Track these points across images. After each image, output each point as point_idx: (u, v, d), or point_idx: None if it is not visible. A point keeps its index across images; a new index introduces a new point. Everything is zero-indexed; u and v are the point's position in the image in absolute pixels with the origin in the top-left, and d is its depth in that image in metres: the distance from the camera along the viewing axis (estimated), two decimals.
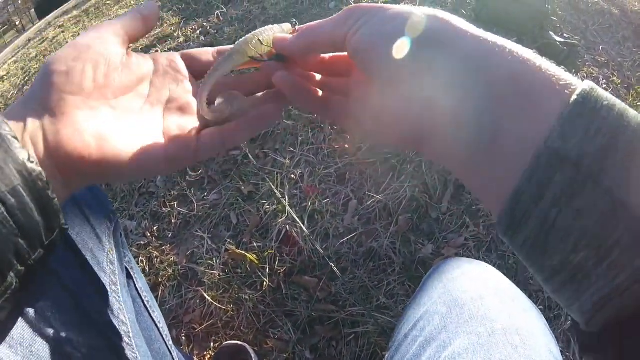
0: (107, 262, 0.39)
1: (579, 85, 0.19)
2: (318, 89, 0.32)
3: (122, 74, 0.28)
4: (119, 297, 0.39)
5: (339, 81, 0.32)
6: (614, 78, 1.58)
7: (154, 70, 0.31)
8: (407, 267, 0.94)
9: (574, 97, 0.19)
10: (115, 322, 0.36)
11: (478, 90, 0.21)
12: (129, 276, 0.47)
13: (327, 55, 0.33)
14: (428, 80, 0.23)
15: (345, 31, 0.26)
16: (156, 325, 0.50)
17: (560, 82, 0.20)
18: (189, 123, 0.30)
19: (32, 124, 0.24)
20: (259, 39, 0.30)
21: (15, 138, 0.22)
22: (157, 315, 0.52)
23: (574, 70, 1.49)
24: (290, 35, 0.30)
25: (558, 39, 1.53)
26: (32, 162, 0.22)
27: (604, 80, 1.56)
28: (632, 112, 0.18)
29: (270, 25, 0.31)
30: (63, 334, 0.30)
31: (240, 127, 0.30)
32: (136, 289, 0.48)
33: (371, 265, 0.95)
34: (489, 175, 0.22)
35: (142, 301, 0.49)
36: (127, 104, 0.29)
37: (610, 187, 0.17)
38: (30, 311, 0.28)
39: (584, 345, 0.20)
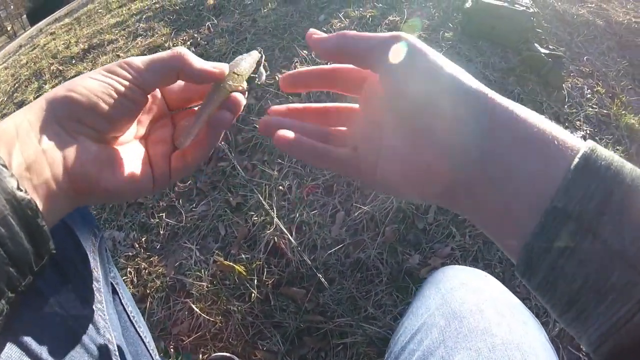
0: (90, 280, 0.39)
1: (582, 147, 0.22)
2: (318, 142, 0.31)
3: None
4: (104, 315, 0.39)
5: (339, 132, 0.33)
6: (599, 88, 1.62)
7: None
8: (394, 277, 0.95)
9: (576, 159, 0.22)
10: (101, 340, 0.36)
11: (499, 153, 0.24)
12: (114, 291, 0.47)
13: (329, 105, 0.34)
14: (461, 139, 0.25)
15: (385, 54, 0.27)
16: (142, 339, 0.50)
17: (567, 146, 0.23)
18: (166, 152, 0.33)
19: (51, 146, 0.26)
20: (234, 72, 0.32)
21: (4, 166, 0.23)
22: (144, 330, 0.51)
23: (551, 79, 1.52)
24: (325, 35, 0.30)
25: (543, 50, 1.56)
26: (21, 190, 0.23)
27: (589, 90, 1.59)
28: (628, 167, 0.21)
29: (241, 56, 0.33)
30: (50, 355, 0.30)
31: (195, 146, 0.33)
32: (122, 304, 0.48)
33: (359, 275, 0.96)
34: (504, 227, 0.25)
35: (128, 316, 0.49)
36: (123, 138, 0.32)
37: (606, 239, 0.20)
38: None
39: None
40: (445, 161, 0.26)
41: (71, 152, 0.27)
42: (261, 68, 0.35)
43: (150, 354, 0.51)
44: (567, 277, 0.21)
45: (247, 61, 0.33)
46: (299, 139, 0.30)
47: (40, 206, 0.24)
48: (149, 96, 0.33)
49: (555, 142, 0.23)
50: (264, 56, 0.36)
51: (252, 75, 0.34)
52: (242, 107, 0.33)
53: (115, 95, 0.28)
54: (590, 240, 0.20)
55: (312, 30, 0.31)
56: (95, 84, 0.28)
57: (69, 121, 0.27)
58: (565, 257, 0.21)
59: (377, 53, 0.27)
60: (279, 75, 1.43)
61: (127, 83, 0.29)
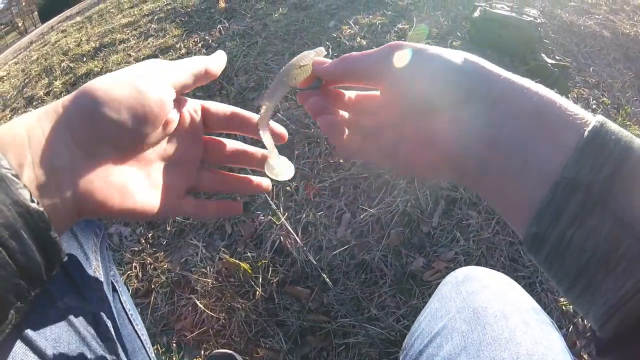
0: (93, 280, 0.40)
1: (592, 120, 0.22)
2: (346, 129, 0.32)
3: (157, 134, 0.29)
4: (106, 313, 0.39)
5: (367, 119, 0.33)
6: (604, 99, 1.63)
7: (175, 128, 0.31)
8: (398, 279, 0.96)
9: (586, 132, 0.22)
10: (103, 339, 0.36)
11: (508, 127, 0.24)
12: (113, 289, 0.47)
13: (353, 94, 0.34)
14: (466, 121, 0.26)
15: (385, 66, 0.28)
16: (139, 337, 0.50)
17: (577, 119, 0.23)
18: (182, 185, 0.32)
19: (62, 165, 0.24)
20: (301, 66, 0.31)
21: (16, 176, 0.22)
22: (140, 327, 0.52)
23: (557, 90, 1.53)
24: (330, 60, 0.31)
25: (549, 60, 1.58)
26: (33, 201, 0.22)
27: (594, 101, 1.60)
28: (637, 142, 0.21)
29: (307, 52, 0.32)
30: (53, 351, 0.30)
31: (209, 210, 0.33)
32: (120, 302, 0.48)
33: (363, 277, 0.97)
34: (515, 199, 0.25)
35: (126, 313, 0.49)
36: (144, 157, 0.29)
37: (615, 209, 0.20)
38: (23, 327, 0.28)
39: (599, 349, 0.22)
40: (449, 164, 0.28)
41: (82, 175, 0.25)
42: None
43: (147, 352, 0.51)
44: (576, 248, 0.21)
45: (311, 57, 0.32)
46: (337, 121, 0.31)
47: None
48: (187, 115, 0.32)
49: (565, 115, 0.23)
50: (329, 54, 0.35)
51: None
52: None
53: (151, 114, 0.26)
54: (599, 211, 0.20)
55: (316, 59, 0.32)
56: (126, 92, 0.25)
57: (85, 136, 0.25)
58: (574, 228, 0.21)
59: (379, 65, 0.28)
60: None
61: (164, 102, 0.27)
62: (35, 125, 0.24)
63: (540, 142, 0.23)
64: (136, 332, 0.50)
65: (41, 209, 0.22)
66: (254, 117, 0.33)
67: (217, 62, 0.32)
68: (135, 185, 0.28)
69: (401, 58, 0.27)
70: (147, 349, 0.51)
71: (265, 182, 0.36)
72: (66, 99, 0.25)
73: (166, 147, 0.31)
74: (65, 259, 0.25)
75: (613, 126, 0.22)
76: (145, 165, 0.29)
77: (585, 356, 0.92)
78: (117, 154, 0.27)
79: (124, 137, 0.26)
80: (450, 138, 0.26)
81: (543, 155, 0.23)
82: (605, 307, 0.21)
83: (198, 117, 0.33)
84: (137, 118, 0.26)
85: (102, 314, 0.38)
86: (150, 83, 0.27)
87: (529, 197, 0.23)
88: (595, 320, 0.22)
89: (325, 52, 0.33)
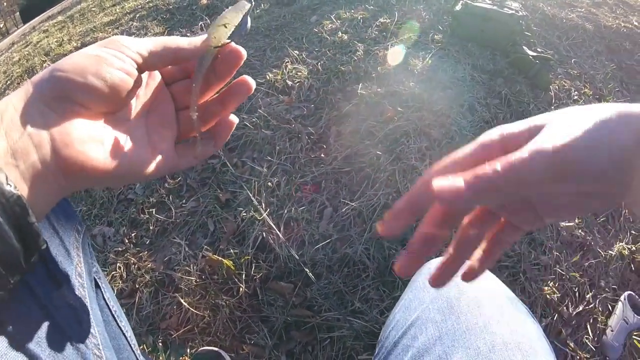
0: (75, 275, 0.39)
1: None
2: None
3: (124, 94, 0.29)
4: (88, 309, 0.38)
5: None
6: (586, 90, 1.65)
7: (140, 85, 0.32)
8: (381, 272, 0.97)
9: None
10: (85, 334, 0.36)
11: None
12: (96, 286, 0.47)
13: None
14: None
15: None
16: (124, 334, 0.50)
17: None
18: (168, 135, 0.33)
19: (37, 128, 0.24)
20: (224, 25, 0.32)
21: None
22: (125, 324, 0.51)
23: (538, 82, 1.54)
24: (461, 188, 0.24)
25: (531, 52, 1.59)
26: (9, 185, 0.22)
27: (576, 92, 1.62)
28: None
29: (226, 10, 0.33)
30: (36, 346, 0.30)
31: (205, 142, 0.33)
32: (104, 298, 0.48)
33: (346, 270, 0.97)
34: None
35: (110, 311, 0.48)
36: (119, 116, 0.30)
37: None
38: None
39: None
40: None
41: (58, 131, 0.25)
42: (247, 17, 0.35)
43: (132, 348, 0.51)
44: None
45: (230, 16, 0.33)
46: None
47: (27, 193, 0.24)
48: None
49: None
50: (252, 3, 0.35)
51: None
52: (242, 60, 0.33)
53: (109, 70, 0.27)
54: None
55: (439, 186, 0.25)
56: (83, 59, 0.27)
57: (56, 100, 0.26)
58: None
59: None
60: (270, 75, 1.43)
61: (124, 57, 0.28)
62: (6, 105, 0.25)
63: None
64: (120, 329, 0.49)
65: (17, 192, 0.22)
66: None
67: (187, 39, 0.31)
68: (116, 138, 0.28)
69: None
70: (132, 345, 0.51)
71: (250, 80, 0.34)
72: (35, 77, 0.26)
73: (136, 104, 0.32)
74: (45, 246, 0.25)
75: None
76: (121, 124, 0.30)
77: (572, 344, 0.93)
78: (91, 113, 0.27)
79: (93, 97, 0.27)
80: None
81: None
82: None
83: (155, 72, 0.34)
84: (101, 78, 0.27)
85: (84, 310, 0.38)
86: (111, 51, 0.28)
87: None
88: None
89: (249, 5, 0.34)
